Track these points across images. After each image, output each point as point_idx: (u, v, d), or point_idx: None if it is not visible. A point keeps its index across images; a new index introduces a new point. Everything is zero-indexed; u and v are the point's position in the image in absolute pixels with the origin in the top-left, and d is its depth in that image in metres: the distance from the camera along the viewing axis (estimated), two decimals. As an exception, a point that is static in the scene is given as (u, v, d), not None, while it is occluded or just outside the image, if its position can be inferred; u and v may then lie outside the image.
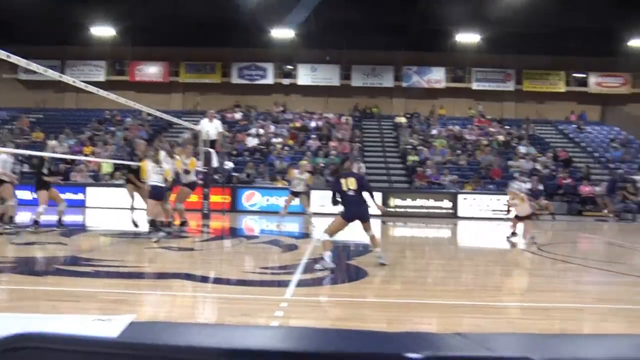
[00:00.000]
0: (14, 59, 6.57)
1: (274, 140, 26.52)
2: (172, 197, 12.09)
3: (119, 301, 5.77)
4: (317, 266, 7.93)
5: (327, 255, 8.06)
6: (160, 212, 10.79)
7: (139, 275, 7.45)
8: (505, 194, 17.71)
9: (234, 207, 20.22)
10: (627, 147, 28.41)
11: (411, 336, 1.47)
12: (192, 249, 9.92)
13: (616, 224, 19.77)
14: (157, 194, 10.56)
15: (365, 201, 8.72)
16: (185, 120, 19.03)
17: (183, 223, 12.27)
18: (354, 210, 8.64)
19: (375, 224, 17.71)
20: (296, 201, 15.95)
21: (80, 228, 13.68)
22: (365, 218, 8.77)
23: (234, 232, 13.90)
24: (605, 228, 18.05)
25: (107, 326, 1.53)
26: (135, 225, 12.13)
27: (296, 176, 15.72)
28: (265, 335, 1.55)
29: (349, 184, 8.60)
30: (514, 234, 12.77)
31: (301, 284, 6.87)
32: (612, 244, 13.72)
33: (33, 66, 7.05)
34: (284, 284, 6.81)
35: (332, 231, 8.47)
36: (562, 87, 33.08)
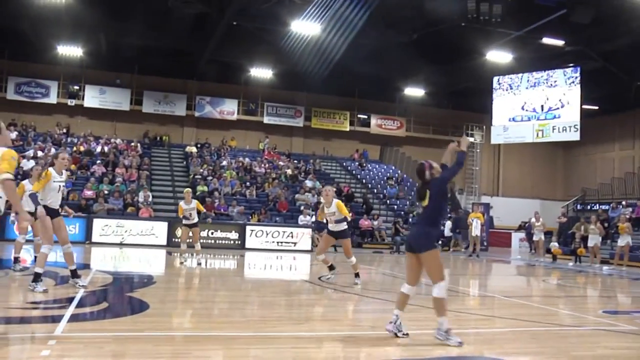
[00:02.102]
0: None
1: (53, 163, 24.64)
2: None
3: None
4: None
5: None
6: None
7: None
8: (291, 227, 18.31)
9: (3, 236, 18.33)
10: (401, 185, 31.06)
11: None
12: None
13: (393, 255, 21.28)
14: None
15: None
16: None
17: None
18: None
19: (161, 254, 17.23)
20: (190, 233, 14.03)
21: None
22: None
23: (0, 263, 12.55)
24: (384, 260, 19.32)
25: None
26: None
27: (184, 207, 13.75)
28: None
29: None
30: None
31: (73, 319, 6.33)
32: (387, 275, 14.73)
33: None
34: (55, 319, 6.22)
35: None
36: (346, 126, 35.38)
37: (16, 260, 10.96)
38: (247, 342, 5.79)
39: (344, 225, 11.07)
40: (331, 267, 11.44)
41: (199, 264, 13.73)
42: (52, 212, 8.53)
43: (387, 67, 29.18)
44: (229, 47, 27.42)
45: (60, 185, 8.65)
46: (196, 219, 14.00)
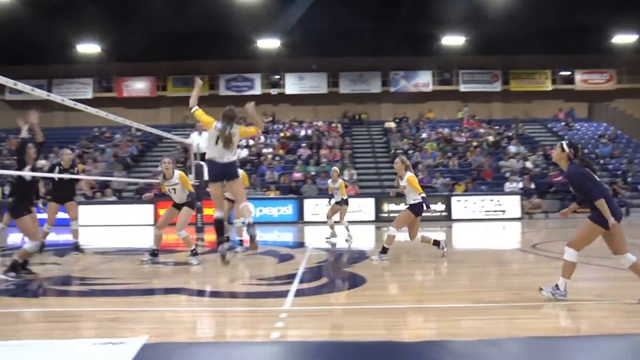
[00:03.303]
0: (1, 79, 6.52)
1: (264, 150, 26.50)
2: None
3: (116, 319, 5.71)
4: None
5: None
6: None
7: (134, 293, 7.38)
8: (498, 194, 17.83)
9: (228, 219, 20.14)
10: (615, 143, 28.60)
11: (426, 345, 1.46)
12: (186, 264, 9.86)
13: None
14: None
15: None
16: (175, 134, 18.96)
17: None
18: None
19: (370, 230, 17.78)
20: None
21: (73, 247, 13.55)
22: None
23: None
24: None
25: (120, 350, 1.51)
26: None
27: (330, 186, 14.20)
28: (283, 351, 1.52)
29: None
30: None
31: (299, 293, 6.84)
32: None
33: (19, 86, 6.99)
34: (282, 294, 6.77)
35: None
36: (548, 86, 33.23)
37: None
38: (460, 313, 5.82)
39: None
40: (435, 243, 10.51)
41: (347, 240, 13.42)
42: None
43: (591, 14, 26.85)
44: (418, 18, 27.17)
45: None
46: (343, 197, 13.71)
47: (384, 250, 10.03)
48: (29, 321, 5.87)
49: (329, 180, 14.34)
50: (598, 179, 6.33)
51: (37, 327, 5.60)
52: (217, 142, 8.19)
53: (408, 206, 10.10)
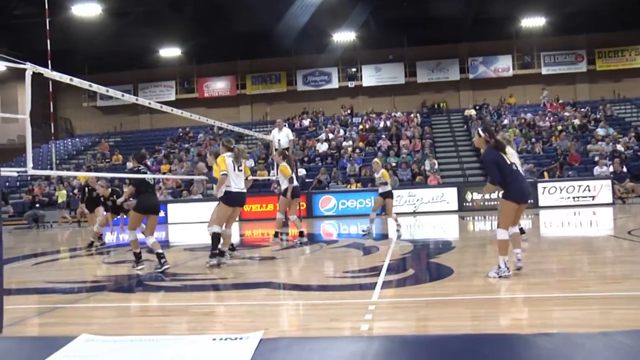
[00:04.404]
0: (95, 87, 6.85)
1: (344, 143, 26.57)
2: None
3: (209, 314, 5.90)
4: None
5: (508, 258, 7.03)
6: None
7: (225, 287, 7.59)
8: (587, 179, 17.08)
9: (310, 213, 20.37)
10: None
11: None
12: (273, 258, 10.04)
13: None
14: None
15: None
16: (256, 131, 19.36)
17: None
18: (526, 186, 7.19)
19: (453, 219, 17.52)
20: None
21: (164, 244, 14.06)
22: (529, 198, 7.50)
23: (312, 238, 13.98)
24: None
25: (240, 345, 1.55)
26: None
27: (375, 177, 13.92)
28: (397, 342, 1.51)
29: (511, 156, 7.15)
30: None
31: (385, 285, 6.83)
32: None
33: (111, 92, 7.32)
34: (369, 286, 6.77)
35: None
36: (639, 63, 31.60)
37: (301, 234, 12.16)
38: (552, 303, 5.65)
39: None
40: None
41: (398, 232, 12.89)
42: None
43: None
44: (494, 1, 26.50)
45: None
46: (386, 189, 13.26)
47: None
48: (127, 315, 6.14)
49: (375, 173, 14.00)
50: (510, 162, 6.95)
51: (135, 320, 5.84)
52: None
53: None
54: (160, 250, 8.82)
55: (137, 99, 8.46)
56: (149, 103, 8.75)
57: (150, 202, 9.05)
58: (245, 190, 9.26)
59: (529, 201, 9.30)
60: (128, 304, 6.77)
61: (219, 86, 34.83)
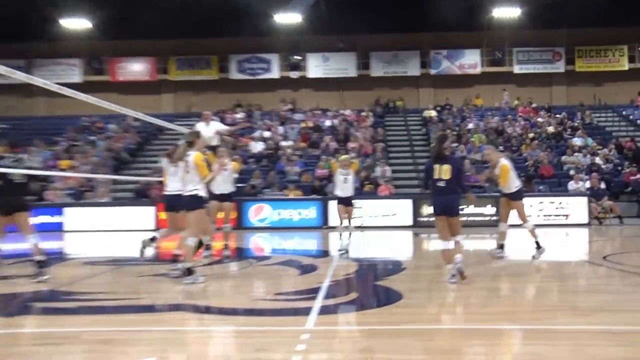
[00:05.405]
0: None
1: (282, 143, 26.53)
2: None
3: (109, 341, 5.75)
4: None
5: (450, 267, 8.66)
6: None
7: (131, 309, 7.42)
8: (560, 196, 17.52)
9: (240, 224, 20.21)
10: None
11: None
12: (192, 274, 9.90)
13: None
14: None
15: (457, 193, 8.94)
16: (179, 125, 19.06)
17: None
18: (442, 201, 8.84)
19: (406, 236, 17.71)
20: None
21: (59, 256, 13.68)
22: (452, 213, 8.92)
23: (241, 253, 13.88)
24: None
25: None
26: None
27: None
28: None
29: (443, 172, 8.74)
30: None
31: (324, 311, 6.83)
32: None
33: (-3, 68, 7.06)
34: (304, 311, 6.76)
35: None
36: (624, 65, 32.71)
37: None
38: (515, 336, 5.76)
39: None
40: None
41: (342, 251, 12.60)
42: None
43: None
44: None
45: None
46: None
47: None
48: (6, 344, 5.92)
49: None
50: (438, 177, 8.67)
51: (17, 351, 5.64)
52: None
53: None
54: None
55: (29, 78, 8.20)
56: (45, 84, 8.49)
57: None
58: (180, 193, 9.29)
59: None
60: (8, 330, 6.54)
61: (136, 69, 34.25)
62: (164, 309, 7.29)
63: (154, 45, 33.45)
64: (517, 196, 11.51)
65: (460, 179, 8.94)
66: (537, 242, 11.56)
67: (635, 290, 8.49)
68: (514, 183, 11.38)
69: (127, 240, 16.64)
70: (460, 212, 9.05)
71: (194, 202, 9.02)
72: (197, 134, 9.56)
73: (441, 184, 8.68)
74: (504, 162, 11.34)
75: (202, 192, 9.16)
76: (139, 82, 33.95)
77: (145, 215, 20.48)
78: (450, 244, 8.73)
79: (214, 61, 33.75)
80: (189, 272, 8.95)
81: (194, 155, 9.06)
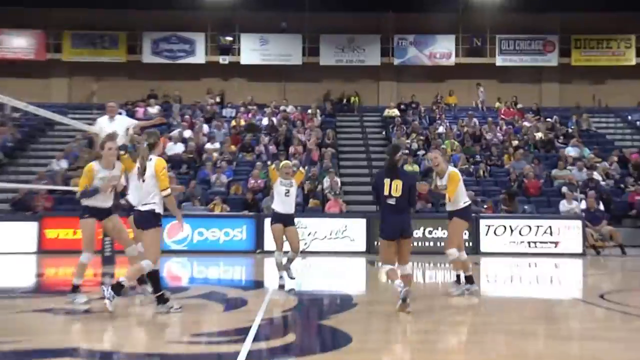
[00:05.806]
0: None
1: (208, 146, 26.39)
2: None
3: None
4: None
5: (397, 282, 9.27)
6: None
7: (5, 356, 7.29)
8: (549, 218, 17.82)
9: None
10: None
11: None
12: (88, 311, 9.78)
13: None
14: None
15: (409, 211, 9.67)
16: (74, 118, 18.86)
17: None
18: (396, 221, 9.50)
19: (359, 264, 17.76)
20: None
21: None
22: (407, 233, 9.63)
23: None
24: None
25: None
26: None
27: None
28: None
29: (394, 188, 9.43)
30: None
31: (254, 356, 6.82)
32: None
33: None
34: (228, 357, 6.76)
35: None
36: (630, 58, 33.36)
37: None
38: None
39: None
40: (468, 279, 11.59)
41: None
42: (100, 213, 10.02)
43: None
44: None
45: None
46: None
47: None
48: None
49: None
50: (388, 193, 9.35)
51: None
52: None
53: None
54: None
55: None
56: None
57: None
58: (135, 207, 9.65)
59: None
60: None
61: (17, 44, 33.55)
62: (48, 356, 7.17)
63: (43, 15, 32.93)
64: (463, 214, 11.42)
65: (412, 198, 9.53)
66: (459, 277, 11.69)
67: (639, 337, 8.63)
68: (463, 198, 11.40)
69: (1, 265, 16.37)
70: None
71: (150, 219, 9.25)
72: (157, 135, 9.58)
73: (391, 201, 9.33)
74: (454, 170, 11.57)
75: (160, 208, 9.31)
76: (22, 61, 33.33)
77: (25, 234, 19.98)
78: (397, 267, 9.54)
79: (122, 39, 33.44)
80: (119, 286, 9.06)
81: (155, 161, 9.03)
